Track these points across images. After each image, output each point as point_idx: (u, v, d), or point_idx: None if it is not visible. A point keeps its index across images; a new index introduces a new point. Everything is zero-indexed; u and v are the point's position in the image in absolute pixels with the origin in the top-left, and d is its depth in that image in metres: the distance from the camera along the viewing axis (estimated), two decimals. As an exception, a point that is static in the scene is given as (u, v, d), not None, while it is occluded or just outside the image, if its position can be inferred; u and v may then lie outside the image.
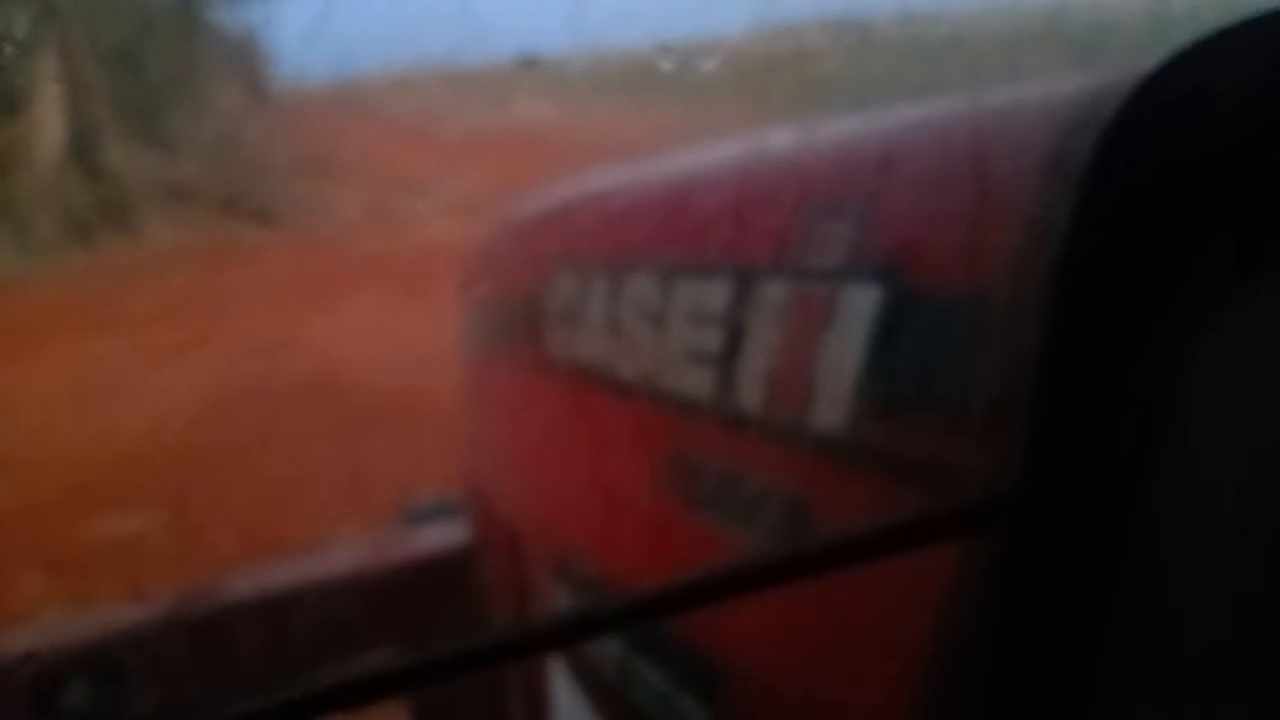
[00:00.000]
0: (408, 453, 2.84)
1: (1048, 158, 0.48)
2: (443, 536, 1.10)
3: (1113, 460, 0.44)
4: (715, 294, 0.75)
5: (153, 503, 3.18)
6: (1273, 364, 0.41)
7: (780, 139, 0.77)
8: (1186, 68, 0.44)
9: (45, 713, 0.89)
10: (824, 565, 0.45)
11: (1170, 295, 0.44)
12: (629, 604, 0.44)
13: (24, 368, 4.93)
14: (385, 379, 3.73)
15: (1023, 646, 0.46)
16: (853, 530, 0.51)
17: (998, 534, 0.47)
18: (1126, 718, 0.43)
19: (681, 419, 0.79)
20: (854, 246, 0.63)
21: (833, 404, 0.60)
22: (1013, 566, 0.47)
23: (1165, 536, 0.43)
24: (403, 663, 0.40)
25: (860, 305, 0.60)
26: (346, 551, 1.08)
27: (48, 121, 5.88)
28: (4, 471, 3.66)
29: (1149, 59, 0.45)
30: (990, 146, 0.55)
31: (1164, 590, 0.42)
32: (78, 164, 6.21)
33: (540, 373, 1.04)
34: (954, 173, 0.56)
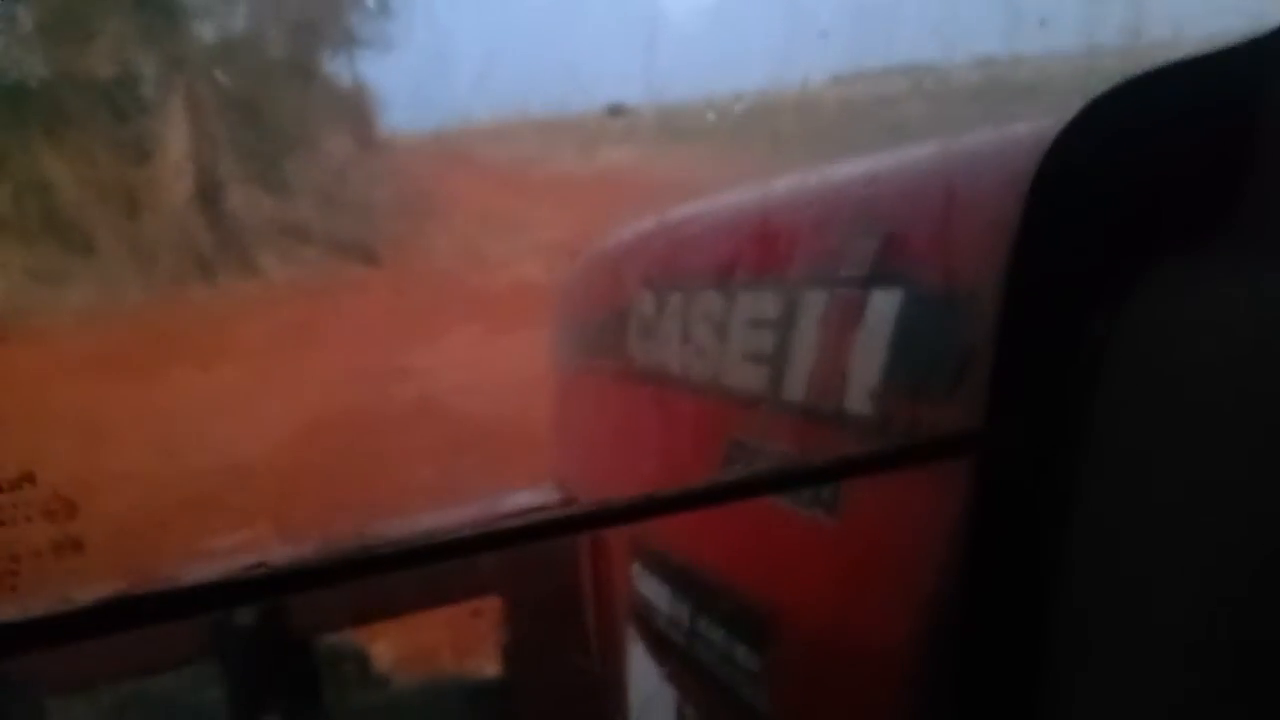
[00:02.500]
0: (503, 472, 2.99)
1: (1006, 182, 0.62)
2: (539, 498, 1.25)
3: (1062, 406, 0.57)
4: (769, 304, 0.88)
5: (267, 517, 3.39)
6: (1180, 332, 0.54)
7: (817, 177, 0.91)
8: (1101, 112, 0.58)
9: (222, 630, 1.06)
10: (829, 476, 0.60)
11: (1101, 280, 0.57)
12: (672, 497, 0.57)
13: (148, 390, 5.30)
14: (481, 406, 3.90)
15: (995, 556, 0.58)
16: (851, 452, 0.65)
17: (972, 470, 0.60)
18: (1082, 606, 0.56)
19: (740, 410, 0.91)
20: (878, 259, 0.76)
21: (864, 387, 0.73)
22: (984, 490, 0.60)
23: (1108, 464, 0.56)
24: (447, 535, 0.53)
25: (884, 304, 0.73)
26: (463, 510, 1.25)
27: (178, 166, 6.34)
28: (130, 485, 3.94)
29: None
30: (972, 171, 0.70)
31: (1109, 508, 0.55)
32: (200, 205, 6.65)
33: (622, 379, 1.16)
34: (946, 192, 0.70)
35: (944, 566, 0.61)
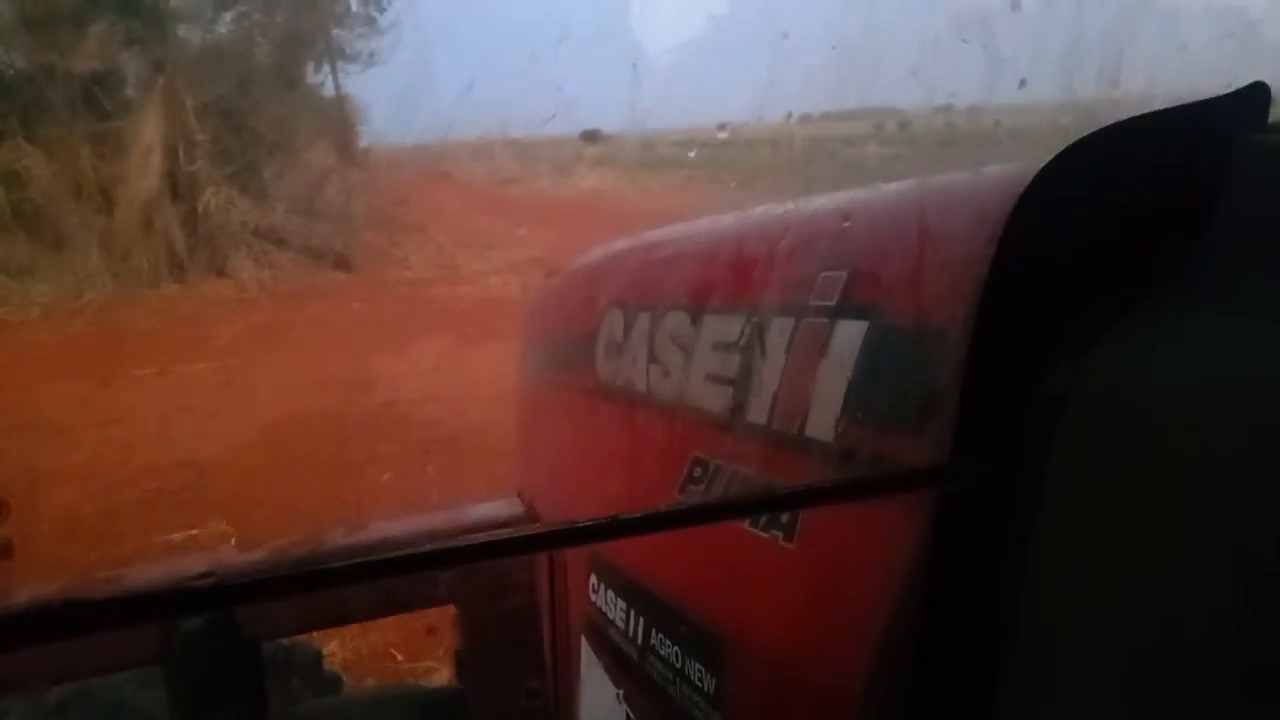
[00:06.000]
0: (465, 480, 3.01)
1: (976, 224, 0.64)
2: (502, 510, 1.26)
3: (1026, 448, 0.59)
4: (735, 328, 0.90)
5: (224, 516, 3.38)
6: (1144, 380, 0.56)
7: (791, 207, 0.93)
8: (1075, 158, 0.59)
9: (167, 632, 1.08)
10: (793, 504, 0.62)
11: (1066, 326, 0.60)
12: (631, 520, 0.58)
13: (112, 387, 5.24)
14: (446, 415, 3.90)
15: (952, 588, 0.59)
16: (815, 482, 0.67)
17: (930, 504, 0.58)
18: (1037, 641, 0.58)
19: (703, 430, 0.93)
20: (846, 291, 0.78)
21: (825, 414, 0.75)
22: (941, 526, 0.58)
23: (1069, 507, 0.58)
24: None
25: (849, 335, 0.75)
26: (422, 518, 1.26)
27: (153, 165, 6.30)
28: (86, 480, 3.90)
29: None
30: (944, 211, 0.72)
31: (1067, 549, 0.57)
32: (176, 205, 6.61)
33: (588, 395, 1.17)
34: (918, 230, 0.72)
35: (900, 595, 0.62)
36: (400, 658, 2.49)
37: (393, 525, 1.19)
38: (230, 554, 1.18)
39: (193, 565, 1.13)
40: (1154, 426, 0.52)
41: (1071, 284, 0.58)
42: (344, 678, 2.09)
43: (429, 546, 0.53)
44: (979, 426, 0.59)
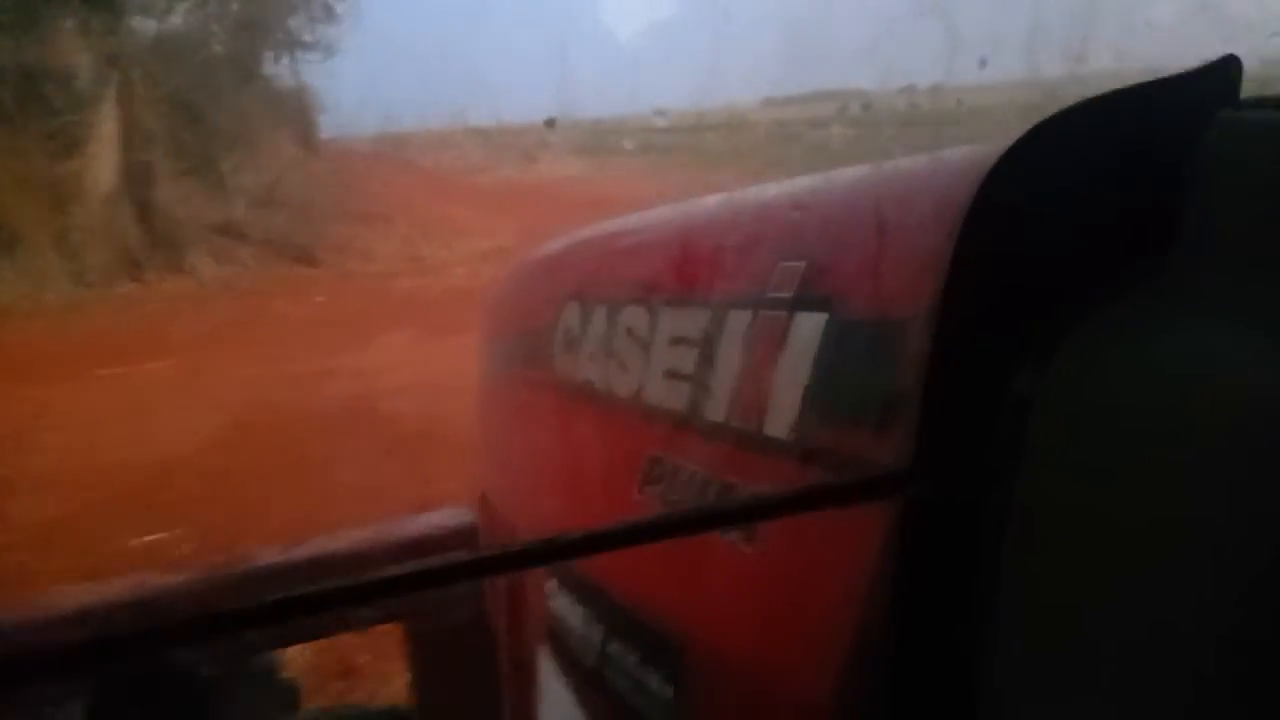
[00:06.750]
0: (430, 474, 2.99)
1: (936, 212, 0.61)
2: (447, 520, 1.23)
3: (991, 452, 0.57)
4: (692, 322, 0.88)
5: (188, 517, 3.34)
6: (1114, 376, 0.54)
7: (748, 195, 0.91)
8: (1038, 142, 0.57)
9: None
10: (751, 517, 0.59)
11: (1033, 321, 0.57)
12: (578, 539, 0.55)
13: (73, 389, 5.17)
14: (412, 408, 3.87)
15: (919, 595, 0.57)
16: (776, 492, 0.64)
17: (895, 508, 0.56)
18: (1009, 650, 0.56)
19: (660, 427, 0.90)
20: (804, 282, 0.76)
21: (784, 411, 0.72)
22: (908, 533, 0.56)
23: (1036, 513, 0.56)
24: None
25: (808, 328, 0.73)
26: (363, 532, 1.21)
27: (108, 162, 6.17)
28: (50, 486, 3.86)
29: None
30: (904, 198, 0.69)
31: (1034, 548, 0.55)
32: (131, 202, 6.50)
33: (547, 391, 1.15)
34: (876, 218, 0.70)
35: (867, 600, 0.60)
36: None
37: (331, 541, 1.15)
38: (152, 578, 1.13)
39: (112, 591, 1.08)
40: (1130, 424, 0.50)
41: (1038, 274, 0.56)
42: (300, 684, 2.04)
43: (372, 576, 0.47)
44: (943, 427, 0.56)
